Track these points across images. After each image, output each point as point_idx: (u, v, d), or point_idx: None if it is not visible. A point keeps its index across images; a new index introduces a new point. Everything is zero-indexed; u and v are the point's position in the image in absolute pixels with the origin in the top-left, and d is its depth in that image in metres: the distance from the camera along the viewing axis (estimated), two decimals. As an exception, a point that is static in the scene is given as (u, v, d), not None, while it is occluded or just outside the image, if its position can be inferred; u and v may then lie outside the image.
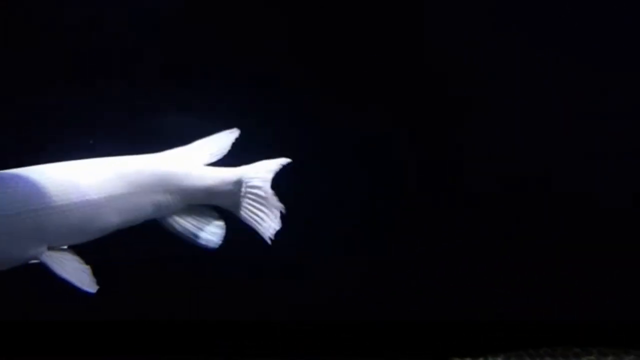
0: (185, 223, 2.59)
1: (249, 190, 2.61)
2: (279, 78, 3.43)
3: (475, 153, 3.59)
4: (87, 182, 2.35)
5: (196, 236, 2.60)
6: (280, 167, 2.65)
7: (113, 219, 2.42)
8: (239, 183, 2.60)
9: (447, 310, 3.62)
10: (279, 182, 2.72)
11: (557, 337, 3.54)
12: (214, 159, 2.65)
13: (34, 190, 2.25)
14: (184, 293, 3.51)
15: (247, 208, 2.62)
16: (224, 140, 2.68)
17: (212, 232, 2.62)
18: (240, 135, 2.77)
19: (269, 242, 2.64)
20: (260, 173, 2.64)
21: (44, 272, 2.34)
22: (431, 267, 3.64)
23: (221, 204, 2.63)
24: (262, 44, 3.42)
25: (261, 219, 2.63)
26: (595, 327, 3.55)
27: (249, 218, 2.64)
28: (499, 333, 3.56)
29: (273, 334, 3.65)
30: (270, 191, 2.64)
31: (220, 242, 2.62)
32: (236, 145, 2.74)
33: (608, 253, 3.59)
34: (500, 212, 3.62)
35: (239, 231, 2.73)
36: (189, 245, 2.64)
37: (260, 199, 2.62)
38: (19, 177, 2.27)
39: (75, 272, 2.29)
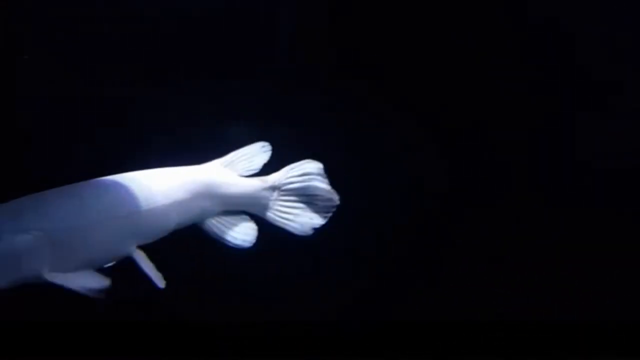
0: (222, 226, 2.96)
1: (281, 196, 2.96)
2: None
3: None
4: (160, 189, 2.75)
5: (232, 237, 2.97)
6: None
7: (174, 222, 2.79)
8: (271, 189, 2.95)
9: (449, 311, 3.63)
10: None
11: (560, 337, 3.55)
12: (248, 174, 3.01)
13: (131, 194, 2.66)
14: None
15: (278, 211, 2.96)
16: (257, 157, 3.01)
17: (245, 233, 2.96)
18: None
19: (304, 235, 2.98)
20: (290, 177, 2.97)
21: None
22: (435, 268, 3.66)
23: (253, 211, 2.99)
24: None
25: (294, 217, 2.97)
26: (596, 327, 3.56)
27: (279, 220, 2.98)
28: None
29: (275, 334, 3.66)
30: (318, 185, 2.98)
31: (253, 242, 2.97)
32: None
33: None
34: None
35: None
36: (225, 246, 3.00)
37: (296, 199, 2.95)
38: (119, 184, 2.68)
39: (150, 267, 2.70)
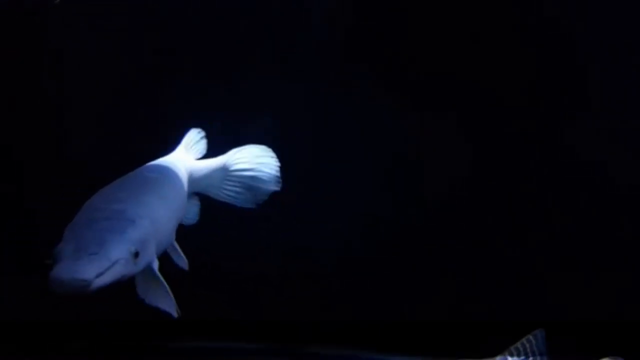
0: None
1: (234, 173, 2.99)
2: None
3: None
4: (182, 175, 2.85)
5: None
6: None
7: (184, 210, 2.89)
8: (225, 169, 2.99)
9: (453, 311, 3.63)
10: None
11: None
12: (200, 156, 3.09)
13: (178, 182, 2.81)
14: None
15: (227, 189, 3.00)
16: (201, 142, 3.09)
17: (193, 212, 3.01)
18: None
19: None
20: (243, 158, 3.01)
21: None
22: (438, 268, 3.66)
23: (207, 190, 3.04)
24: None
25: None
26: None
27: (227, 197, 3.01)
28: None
29: (277, 333, 3.66)
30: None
31: (197, 219, 3.01)
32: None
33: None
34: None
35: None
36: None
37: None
38: (166, 173, 2.81)
39: (180, 252, 2.87)
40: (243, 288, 3.64)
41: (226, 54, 3.64)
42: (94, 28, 3.60)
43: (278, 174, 2.96)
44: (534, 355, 2.32)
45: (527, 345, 2.32)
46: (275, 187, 2.96)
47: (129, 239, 2.29)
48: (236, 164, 2.97)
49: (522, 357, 2.32)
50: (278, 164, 2.97)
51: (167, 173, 2.79)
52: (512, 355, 2.33)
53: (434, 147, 3.63)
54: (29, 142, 3.71)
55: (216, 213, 3.05)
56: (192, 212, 2.99)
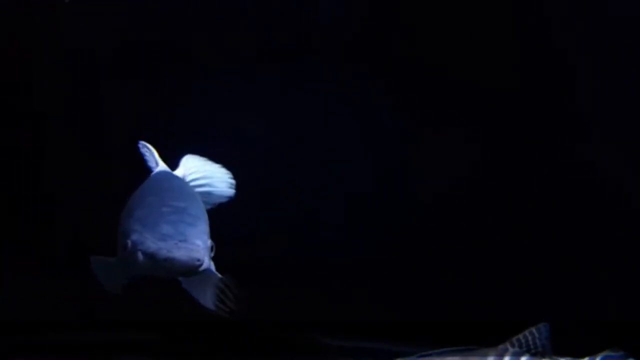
0: None
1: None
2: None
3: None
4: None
5: None
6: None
7: None
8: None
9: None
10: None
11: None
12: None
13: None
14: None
15: None
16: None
17: None
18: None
19: None
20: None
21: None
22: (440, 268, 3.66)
23: None
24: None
25: None
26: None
27: None
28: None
29: (277, 332, 3.65)
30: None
31: None
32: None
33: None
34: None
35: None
36: None
37: None
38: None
39: None
40: (243, 288, 3.64)
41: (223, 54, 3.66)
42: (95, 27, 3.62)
43: (230, 180, 3.02)
44: (536, 347, 2.33)
45: (530, 338, 2.33)
46: (230, 193, 3.01)
47: (207, 231, 2.52)
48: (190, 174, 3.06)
49: (524, 349, 2.33)
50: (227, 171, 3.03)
51: (182, 181, 2.93)
52: (513, 346, 2.33)
53: (433, 148, 3.64)
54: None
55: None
56: None
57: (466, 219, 3.65)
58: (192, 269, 2.38)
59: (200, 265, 2.36)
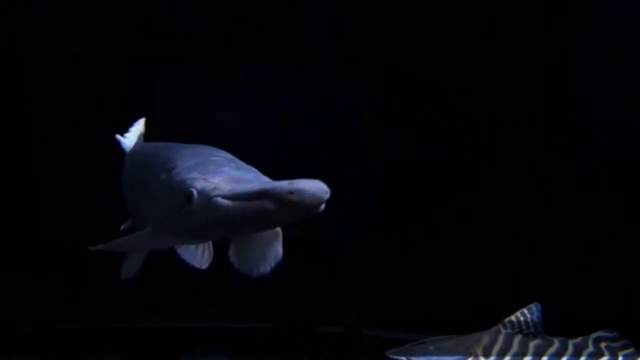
0: None
1: None
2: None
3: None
4: None
5: None
6: None
7: None
8: None
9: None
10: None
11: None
12: None
13: None
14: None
15: None
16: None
17: None
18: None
19: None
20: None
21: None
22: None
23: None
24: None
25: None
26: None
27: None
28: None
29: (278, 334, 3.64)
30: None
31: None
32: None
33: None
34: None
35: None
36: None
37: None
38: None
39: None
40: (243, 289, 3.64)
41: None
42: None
43: None
44: (528, 328, 2.32)
45: (522, 319, 2.32)
46: None
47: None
48: None
49: (517, 330, 2.32)
50: None
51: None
52: (506, 327, 2.32)
53: (433, 147, 3.66)
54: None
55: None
56: None
57: (466, 219, 3.66)
58: (320, 203, 1.93)
59: (327, 199, 1.94)
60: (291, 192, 1.90)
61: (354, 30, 3.68)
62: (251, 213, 1.97)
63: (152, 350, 3.62)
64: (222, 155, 2.24)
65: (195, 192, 2.03)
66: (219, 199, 1.98)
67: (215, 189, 2.00)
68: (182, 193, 2.05)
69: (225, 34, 3.66)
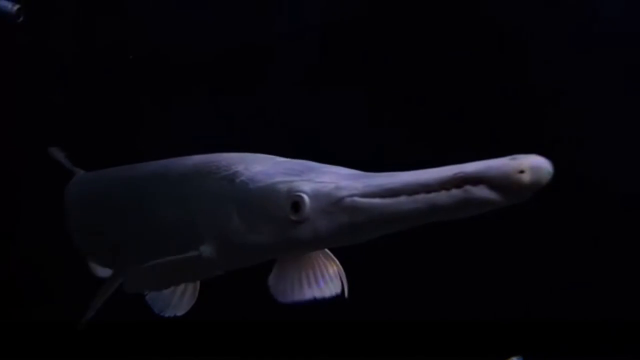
0: None
1: None
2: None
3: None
4: None
5: None
6: None
7: None
8: None
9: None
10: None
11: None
12: None
13: None
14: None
15: None
16: None
17: None
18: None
19: None
20: None
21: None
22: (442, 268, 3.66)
23: None
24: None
25: None
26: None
27: None
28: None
29: (278, 333, 3.65)
30: None
31: None
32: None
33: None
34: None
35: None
36: None
37: None
38: None
39: None
40: (242, 288, 3.64)
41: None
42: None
43: None
44: None
45: None
46: None
47: None
48: None
49: None
50: None
51: None
52: None
53: (433, 148, 3.65)
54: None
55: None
56: None
57: (466, 219, 3.64)
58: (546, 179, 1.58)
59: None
60: (522, 171, 1.55)
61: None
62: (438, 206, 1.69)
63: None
64: (281, 158, 1.98)
65: (306, 198, 1.79)
66: (357, 199, 1.76)
67: (341, 188, 1.75)
68: (286, 200, 1.79)
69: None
